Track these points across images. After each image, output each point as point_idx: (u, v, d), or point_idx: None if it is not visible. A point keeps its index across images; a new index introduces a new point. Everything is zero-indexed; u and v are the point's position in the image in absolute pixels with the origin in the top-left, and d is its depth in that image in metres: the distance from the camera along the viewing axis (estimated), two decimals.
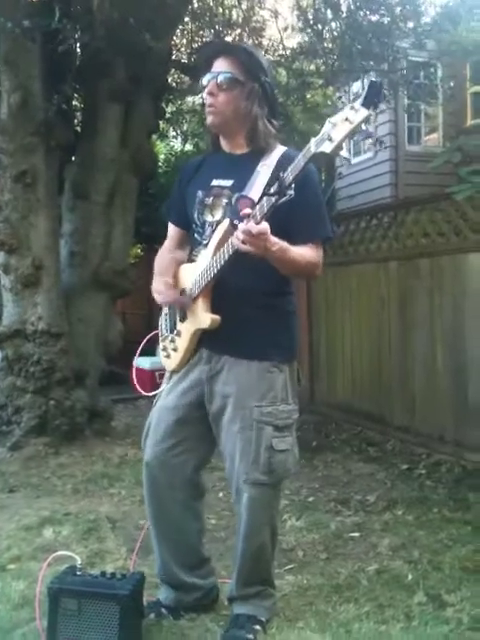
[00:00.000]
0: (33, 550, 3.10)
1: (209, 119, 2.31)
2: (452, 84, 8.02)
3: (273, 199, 1.96)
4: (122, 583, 2.23)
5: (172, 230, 2.54)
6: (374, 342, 5.62)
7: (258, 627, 2.31)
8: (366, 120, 1.85)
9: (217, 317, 2.23)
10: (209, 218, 2.31)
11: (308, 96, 7.90)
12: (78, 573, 2.30)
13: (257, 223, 1.99)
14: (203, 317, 2.25)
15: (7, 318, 5.39)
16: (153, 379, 8.15)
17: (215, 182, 2.31)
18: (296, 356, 2.40)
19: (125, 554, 3.04)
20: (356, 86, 9.16)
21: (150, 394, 2.58)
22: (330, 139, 1.85)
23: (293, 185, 1.97)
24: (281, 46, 7.24)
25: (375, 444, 5.22)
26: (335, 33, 6.55)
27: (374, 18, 6.27)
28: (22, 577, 2.77)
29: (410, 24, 6.48)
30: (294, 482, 4.13)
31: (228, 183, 2.29)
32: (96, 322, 5.74)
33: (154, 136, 7.46)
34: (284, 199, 1.97)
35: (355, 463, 4.78)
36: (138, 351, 2.73)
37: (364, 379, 5.78)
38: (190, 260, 2.40)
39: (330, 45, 6.72)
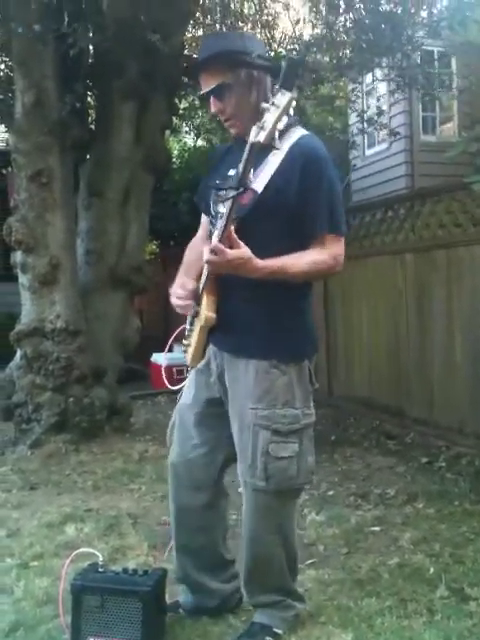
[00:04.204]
0: (55, 547, 3.13)
1: (233, 131, 2.24)
2: (467, 74, 7.95)
3: (231, 193, 1.93)
4: (144, 579, 2.24)
5: (203, 219, 2.44)
6: (391, 335, 5.59)
7: (269, 639, 2.21)
8: (291, 102, 1.79)
9: (211, 315, 2.15)
10: (221, 209, 2.10)
11: (321, 89, 7.87)
12: (100, 570, 2.31)
13: (221, 235, 1.96)
14: (202, 314, 2.18)
15: (25, 316, 5.43)
16: (170, 375, 8.22)
17: (231, 172, 2.15)
18: (306, 356, 2.23)
19: (146, 550, 3.06)
20: (369, 78, 9.13)
21: (175, 388, 2.54)
22: (262, 128, 1.81)
23: (251, 177, 1.93)
24: (293, 39, 7.23)
25: (394, 437, 5.20)
26: (348, 24, 6.51)
27: (387, 8, 6.22)
28: (45, 574, 2.80)
29: (423, 13, 6.43)
30: (313, 476, 4.11)
31: None
32: (113, 319, 5.77)
33: (167, 132, 7.44)
34: (239, 192, 1.92)
35: (374, 457, 4.76)
36: (166, 348, 2.71)
37: (382, 372, 5.76)
38: None
39: (344, 37, 6.68)
